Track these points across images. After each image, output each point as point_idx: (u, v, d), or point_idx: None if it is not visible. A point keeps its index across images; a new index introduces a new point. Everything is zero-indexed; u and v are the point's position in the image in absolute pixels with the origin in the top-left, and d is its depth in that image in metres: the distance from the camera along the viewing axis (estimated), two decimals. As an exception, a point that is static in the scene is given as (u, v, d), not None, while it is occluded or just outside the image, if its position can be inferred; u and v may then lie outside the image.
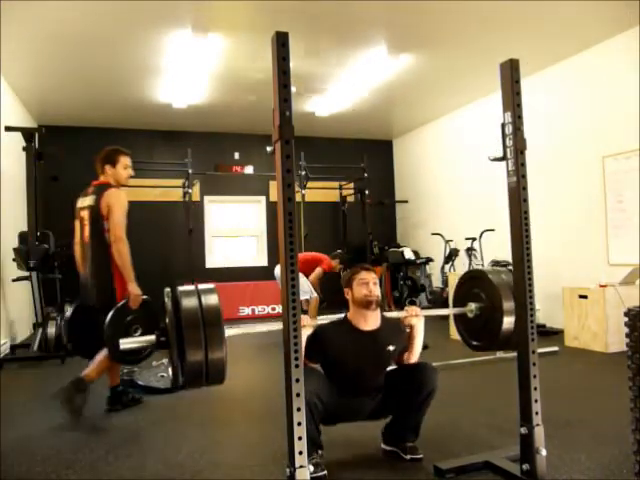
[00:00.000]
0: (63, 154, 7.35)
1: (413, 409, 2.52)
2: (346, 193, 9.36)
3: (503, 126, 2.28)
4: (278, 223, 1.86)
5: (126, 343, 2.12)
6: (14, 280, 5.49)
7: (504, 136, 2.28)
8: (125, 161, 3.59)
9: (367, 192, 8.67)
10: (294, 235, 1.83)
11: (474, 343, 2.62)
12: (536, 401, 2.15)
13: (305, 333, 2.29)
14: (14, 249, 5.31)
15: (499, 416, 3.06)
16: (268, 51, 1.89)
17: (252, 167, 8.60)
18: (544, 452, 2.13)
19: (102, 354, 3.26)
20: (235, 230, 9.31)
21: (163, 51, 5.55)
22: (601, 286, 4.95)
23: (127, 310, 3.19)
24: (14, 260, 5.36)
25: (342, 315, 2.59)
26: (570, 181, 6.13)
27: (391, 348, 2.52)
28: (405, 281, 8.29)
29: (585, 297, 5.04)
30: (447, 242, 8.02)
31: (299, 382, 1.80)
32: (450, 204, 8.35)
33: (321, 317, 2.58)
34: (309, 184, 8.25)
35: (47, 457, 2.64)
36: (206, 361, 1.88)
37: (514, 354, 2.27)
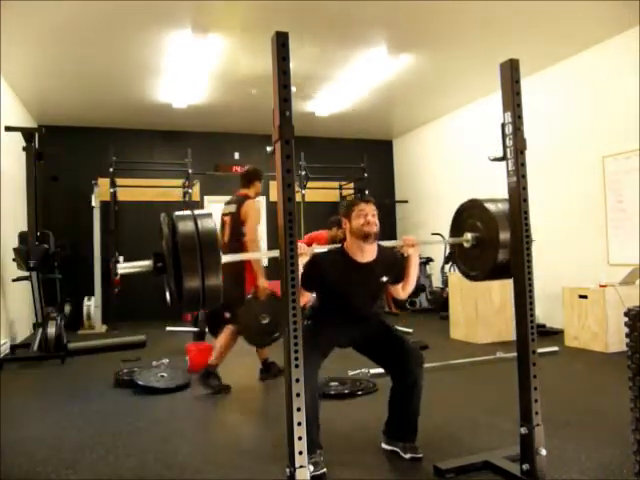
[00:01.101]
0: (63, 154, 7.35)
1: (403, 406, 2.55)
2: (346, 193, 9.36)
3: (503, 126, 2.28)
4: (278, 223, 1.86)
5: (123, 268, 2.12)
6: (14, 280, 5.49)
7: (504, 136, 2.28)
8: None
9: (367, 192, 8.67)
10: (294, 235, 1.83)
11: (472, 273, 2.63)
12: (536, 401, 2.15)
13: (301, 262, 2.28)
14: (14, 249, 5.31)
15: (499, 416, 3.06)
16: (268, 51, 1.89)
17: (252, 167, 8.60)
18: (544, 452, 2.13)
19: (219, 341, 3.93)
20: (235, 230, 9.30)
21: (163, 51, 5.55)
22: (601, 286, 4.95)
23: (256, 301, 3.76)
24: (14, 260, 5.36)
25: (339, 245, 2.62)
26: (570, 181, 6.13)
27: (384, 279, 2.58)
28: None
29: (585, 297, 5.04)
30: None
31: (299, 382, 1.80)
32: (450, 204, 8.27)
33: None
34: (309, 184, 8.26)
35: (47, 457, 2.63)
36: (203, 286, 1.88)
37: (514, 354, 2.27)
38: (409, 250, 2.62)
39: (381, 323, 2.69)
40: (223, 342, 3.91)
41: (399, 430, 2.57)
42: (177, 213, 2.00)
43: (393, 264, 2.64)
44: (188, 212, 2.00)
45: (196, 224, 1.93)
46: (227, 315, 3.96)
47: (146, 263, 2.03)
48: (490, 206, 2.48)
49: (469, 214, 2.62)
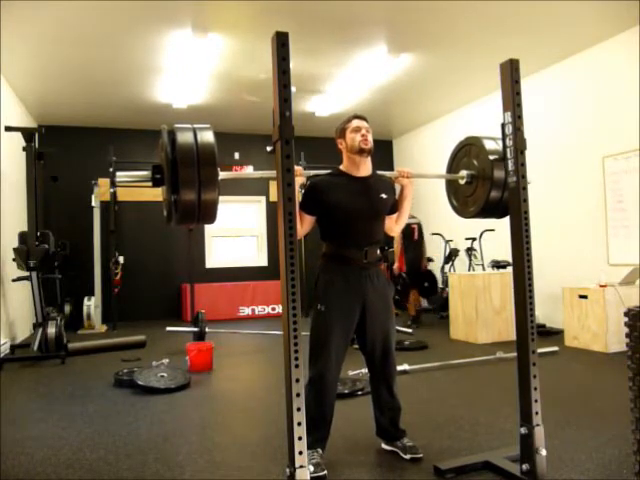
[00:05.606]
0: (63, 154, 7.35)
1: (380, 403, 2.57)
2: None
3: (503, 126, 2.28)
4: (278, 223, 1.86)
5: (121, 176, 2.13)
6: (14, 280, 5.49)
7: (504, 136, 2.28)
8: None
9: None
10: (294, 235, 1.83)
11: (470, 209, 2.67)
12: (536, 401, 2.15)
13: (297, 183, 2.17)
14: (14, 249, 5.31)
15: (499, 416, 3.06)
16: (268, 51, 1.89)
17: (252, 167, 8.61)
18: (544, 452, 2.13)
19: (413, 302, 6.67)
20: (235, 230, 9.32)
21: (163, 51, 5.55)
22: (601, 286, 4.95)
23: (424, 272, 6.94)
24: (14, 260, 5.36)
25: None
26: (570, 181, 6.13)
27: (384, 196, 2.55)
28: (405, 281, 8.28)
29: (585, 297, 5.04)
30: (447, 242, 8.02)
31: (299, 382, 1.80)
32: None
33: None
34: (309, 184, 8.26)
35: (47, 457, 2.64)
36: (199, 201, 1.88)
37: (514, 354, 2.27)
38: (404, 181, 2.63)
39: (386, 292, 2.54)
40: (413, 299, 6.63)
41: (386, 431, 2.59)
42: (178, 125, 1.98)
43: (389, 188, 2.62)
44: (188, 125, 1.98)
45: (196, 137, 1.91)
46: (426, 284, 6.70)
47: (144, 173, 2.03)
48: (487, 144, 2.54)
49: (465, 152, 2.68)
